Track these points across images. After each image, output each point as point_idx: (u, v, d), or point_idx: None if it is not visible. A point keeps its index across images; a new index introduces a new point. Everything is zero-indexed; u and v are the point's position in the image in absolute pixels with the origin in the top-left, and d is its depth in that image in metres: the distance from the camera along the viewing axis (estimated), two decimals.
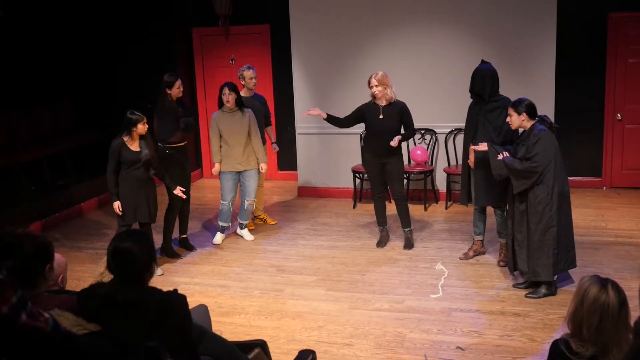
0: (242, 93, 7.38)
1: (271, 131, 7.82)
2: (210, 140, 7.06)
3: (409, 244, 6.80)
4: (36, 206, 7.88)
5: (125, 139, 6.00)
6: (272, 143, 7.76)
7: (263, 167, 7.08)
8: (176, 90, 6.59)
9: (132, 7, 9.58)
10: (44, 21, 8.70)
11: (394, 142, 6.37)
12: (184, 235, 7.05)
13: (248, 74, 7.31)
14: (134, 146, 6.03)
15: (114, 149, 6.02)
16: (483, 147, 5.73)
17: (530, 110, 5.35)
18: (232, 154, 6.92)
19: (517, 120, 5.40)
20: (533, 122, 5.36)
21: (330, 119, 6.74)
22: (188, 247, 7.03)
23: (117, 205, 6.06)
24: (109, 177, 6.06)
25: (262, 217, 7.86)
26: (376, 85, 6.40)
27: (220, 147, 6.95)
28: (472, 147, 5.94)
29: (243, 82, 7.35)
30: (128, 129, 5.99)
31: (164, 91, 6.57)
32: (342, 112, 8.55)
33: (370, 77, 6.45)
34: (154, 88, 6.88)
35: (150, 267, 3.05)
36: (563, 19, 8.10)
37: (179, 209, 6.81)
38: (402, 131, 6.58)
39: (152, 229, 6.29)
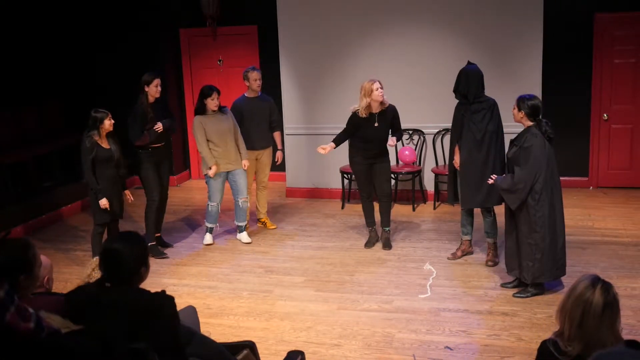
0: (247, 94, 7.33)
1: (278, 137, 7.54)
2: (198, 144, 6.85)
3: (387, 244, 6.81)
4: (22, 208, 7.82)
5: (96, 138, 6.04)
6: (276, 150, 7.54)
7: (245, 163, 7.01)
8: (154, 88, 6.55)
9: (120, 7, 9.53)
10: (32, 22, 8.65)
11: (392, 142, 6.44)
12: (158, 234, 7.05)
13: (253, 75, 7.21)
14: (105, 144, 6.10)
15: (89, 149, 6.02)
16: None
17: (532, 111, 5.30)
18: (224, 154, 6.87)
19: (517, 116, 5.37)
20: (532, 123, 5.32)
21: (338, 142, 6.69)
22: (163, 244, 7.04)
23: (105, 201, 6.10)
24: (89, 176, 6.08)
25: (263, 220, 7.73)
26: (382, 88, 6.34)
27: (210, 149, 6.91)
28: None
29: (247, 83, 7.25)
30: (96, 127, 6.03)
31: (142, 90, 6.54)
32: (330, 113, 8.64)
33: (374, 82, 6.33)
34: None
35: (139, 271, 3.04)
36: (550, 20, 8.15)
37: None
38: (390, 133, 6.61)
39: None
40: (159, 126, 6.57)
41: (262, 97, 7.41)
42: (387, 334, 4.91)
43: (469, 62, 6.19)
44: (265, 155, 7.46)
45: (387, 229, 6.86)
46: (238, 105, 7.23)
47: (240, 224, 7.22)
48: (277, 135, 7.55)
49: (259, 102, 7.32)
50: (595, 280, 2.70)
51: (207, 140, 6.85)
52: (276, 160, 7.59)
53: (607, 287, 2.69)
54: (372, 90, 6.33)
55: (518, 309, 5.27)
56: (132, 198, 6.53)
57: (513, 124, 5.70)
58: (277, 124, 7.52)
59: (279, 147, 7.58)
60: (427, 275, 6.06)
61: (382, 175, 6.67)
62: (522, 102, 5.35)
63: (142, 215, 6.94)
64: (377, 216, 6.95)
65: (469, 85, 5.98)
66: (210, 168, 6.84)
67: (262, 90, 7.38)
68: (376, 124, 6.47)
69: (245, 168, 7.04)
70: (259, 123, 7.27)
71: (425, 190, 8.61)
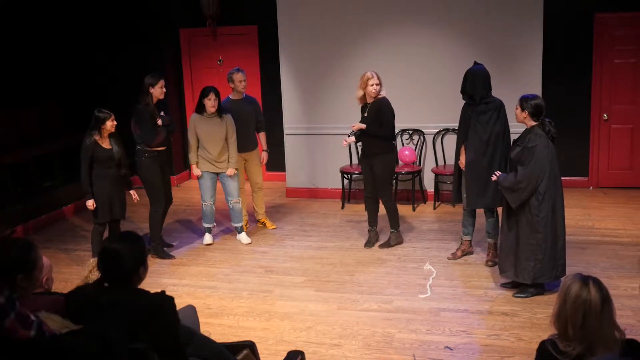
0: (232, 96, 7.29)
1: (264, 138, 7.50)
2: (188, 141, 6.96)
3: (386, 244, 6.82)
4: (22, 208, 7.82)
5: (97, 137, 6.06)
6: (262, 151, 7.49)
7: (229, 171, 6.93)
8: (159, 90, 6.54)
9: (120, 7, 9.53)
10: (32, 22, 8.64)
11: (344, 142, 6.68)
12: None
13: (237, 76, 7.17)
14: (105, 144, 6.12)
15: (88, 148, 6.05)
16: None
17: (535, 111, 5.28)
18: (209, 156, 6.89)
19: (520, 116, 5.36)
20: (535, 123, 5.31)
21: (358, 137, 6.79)
22: (164, 244, 7.03)
23: (91, 203, 6.14)
24: (84, 177, 6.12)
25: (262, 220, 7.74)
26: (377, 84, 6.37)
27: (198, 148, 6.91)
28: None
29: (232, 85, 7.21)
30: (97, 127, 6.06)
31: (146, 92, 6.52)
32: (330, 112, 8.65)
33: (372, 76, 6.36)
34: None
35: (137, 271, 3.04)
36: (550, 20, 8.14)
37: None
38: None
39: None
40: (159, 121, 6.56)
41: (247, 98, 7.38)
42: (387, 334, 4.91)
43: (475, 62, 6.18)
44: (254, 157, 7.42)
45: (392, 230, 6.84)
46: (223, 108, 7.09)
47: (236, 225, 7.22)
48: (262, 136, 7.51)
49: (244, 104, 7.27)
50: (585, 279, 2.71)
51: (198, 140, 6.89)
52: (261, 160, 7.54)
53: (598, 282, 2.71)
54: (366, 85, 6.38)
55: (518, 309, 5.27)
56: (137, 198, 6.52)
57: (517, 125, 5.67)
58: (262, 125, 7.48)
59: (264, 147, 7.53)
60: (427, 275, 6.06)
61: (377, 177, 6.63)
62: (525, 101, 5.33)
63: (144, 215, 6.95)
64: (380, 217, 6.95)
65: (475, 86, 5.97)
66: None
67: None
68: (365, 114, 6.50)
69: (230, 175, 6.95)
70: (246, 125, 7.20)
71: (425, 190, 8.60)
